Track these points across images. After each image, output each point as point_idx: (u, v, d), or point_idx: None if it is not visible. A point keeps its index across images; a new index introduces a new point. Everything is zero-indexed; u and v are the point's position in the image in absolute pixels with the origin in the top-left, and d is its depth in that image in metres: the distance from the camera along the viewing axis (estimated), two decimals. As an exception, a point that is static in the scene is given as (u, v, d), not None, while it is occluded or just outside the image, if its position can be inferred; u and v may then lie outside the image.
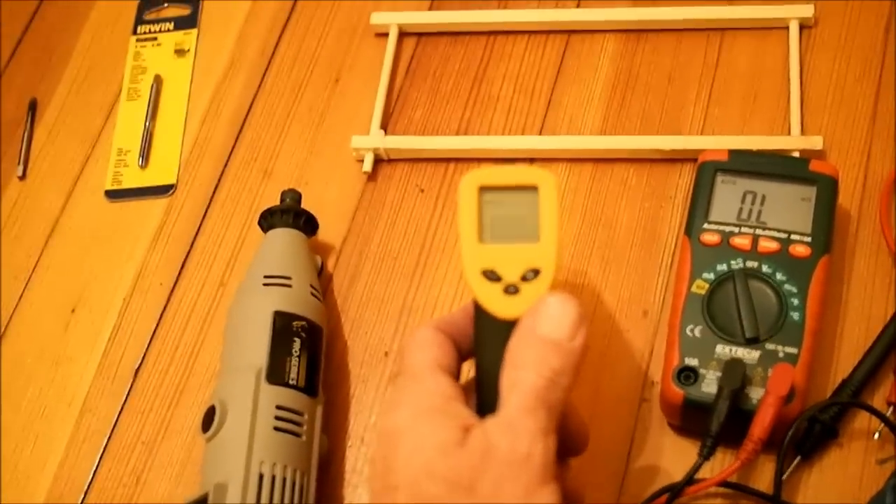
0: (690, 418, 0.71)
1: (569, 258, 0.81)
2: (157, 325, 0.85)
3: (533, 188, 0.60)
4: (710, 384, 0.69)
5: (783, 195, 0.76)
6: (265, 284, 0.77)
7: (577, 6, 0.93)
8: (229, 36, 0.98)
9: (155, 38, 1.00)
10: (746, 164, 0.77)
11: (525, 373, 0.56)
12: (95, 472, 0.80)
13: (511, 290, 0.58)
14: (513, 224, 0.60)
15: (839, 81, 0.85)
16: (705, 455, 0.68)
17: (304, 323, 0.75)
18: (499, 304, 0.58)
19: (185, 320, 0.85)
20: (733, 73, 0.87)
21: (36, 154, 0.95)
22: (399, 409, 0.57)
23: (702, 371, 0.70)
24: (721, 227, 0.75)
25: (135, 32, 1.00)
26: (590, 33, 0.91)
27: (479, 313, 0.59)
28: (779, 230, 0.74)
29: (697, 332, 0.71)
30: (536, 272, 0.58)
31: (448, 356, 0.60)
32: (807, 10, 0.87)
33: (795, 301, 0.71)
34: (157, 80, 0.97)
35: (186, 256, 0.88)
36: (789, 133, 0.83)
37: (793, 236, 0.74)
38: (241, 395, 0.71)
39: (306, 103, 0.93)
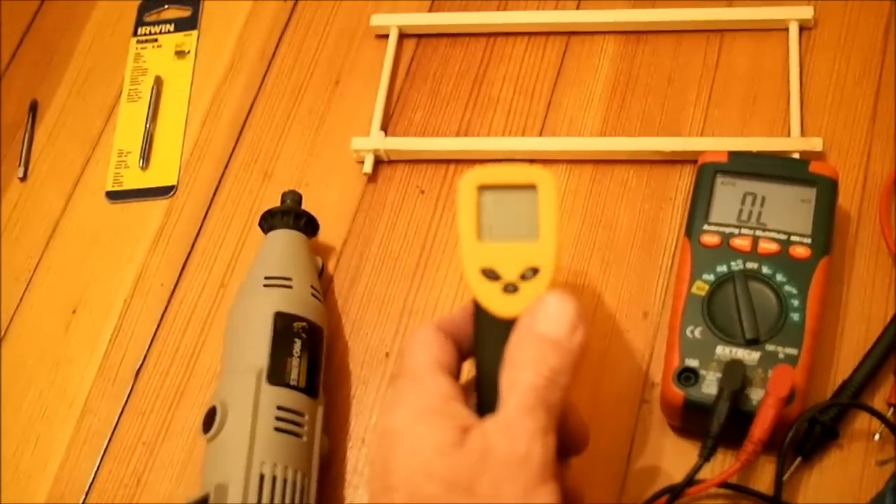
0: (691, 419, 0.71)
1: (569, 259, 0.81)
2: (158, 326, 0.85)
3: (532, 187, 0.60)
4: (710, 385, 0.69)
5: (783, 196, 0.76)
6: (266, 285, 0.77)
7: (577, 8, 0.93)
8: (230, 37, 0.98)
9: (155, 40, 1.00)
10: (746, 166, 0.77)
11: (524, 373, 0.56)
12: (96, 473, 0.80)
13: (510, 288, 0.58)
14: (512, 223, 0.60)
15: (839, 83, 0.85)
16: (705, 456, 0.68)
17: (304, 324, 0.75)
18: (498, 303, 0.58)
19: (185, 321, 0.85)
20: (733, 74, 0.87)
21: (36, 155, 0.96)
22: (398, 409, 0.57)
23: (702, 372, 0.70)
24: (721, 229, 0.75)
25: (135, 34, 1.01)
26: (590, 35, 0.91)
27: (479, 312, 0.59)
28: (779, 231, 0.74)
29: (698, 334, 0.71)
30: (535, 271, 0.58)
31: (448, 355, 0.60)
32: (806, 12, 0.87)
33: (795, 302, 0.71)
34: (158, 82, 0.97)
35: (187, 258, 0.88)
36: (789, 134, 0.83)
37: (793, 237, 0.74)
38: (241, 396, 0.71)
39: (306, 105, 0.93)
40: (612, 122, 0.87)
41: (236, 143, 0.92)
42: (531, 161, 0.85)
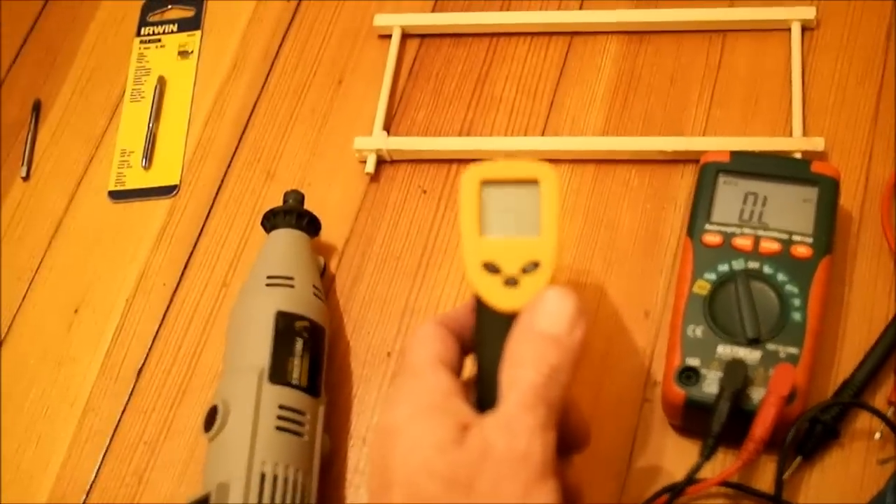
0: (692, 418, 0.71)
1: (571, 259, 0.81)
2: (160, 325, 0.85)
3: (534, 182, 0.60)
4: (711, 384, 0.69)
5: (785, 196, 0.76)
6: (268, 285, 0.77)
7: (580, 8, 0.93)
8: (233, 37, 0.98)
9: (158, 40, 1.00)
10: (748, 166, 0.77)
11: (524, 370, 0.56)
12: (98, 471, 0.80)
13: (511, 282, 0.58)
14: (513, 217, 0.60)
15: (841, 83, 0.85)
16: (706, 455, 0.68)
17: (306, 323, 0.75)
18: (499, 297, 0.58)
19: (187, 321, 0.85)
20: (735, 74, 0.87)
21: (40, 155, 0.96)
22: (398, 406, 0.57)
23: (703, 371, 0.70)
24: (723, 228, 0.75)
25: (138, 34, 1.01)
26: (592, 35, 0.91)
27: (480, 307, 0.59)
28: (780, 231, 0.74)
29: (699, 333, 0.71)
30: (536, 265, 0.58)
31: (450, 351, 0.60)
32: (808, 12, 0.87)
33: (797, 302, 0.71)
34: (161, 82, 0.97)
35: (189, 257, 0.88)
36: (791, 134, 0.83)
37: (794, 237, 0.74)
38: (243, 395, 0.71)
39: (309, 104, 0.93)
40: (615, 121, 0.87)
41: (239, 142, 0.92)
42: (533, 161, 0.85)
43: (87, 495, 0.80)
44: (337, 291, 0.84)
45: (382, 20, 0.94)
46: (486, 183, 0.61)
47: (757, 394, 0.68)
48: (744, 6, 0.89)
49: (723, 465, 0.71)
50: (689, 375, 0.70)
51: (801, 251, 0.73)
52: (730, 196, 0.76)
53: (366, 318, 0.83)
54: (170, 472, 0.79)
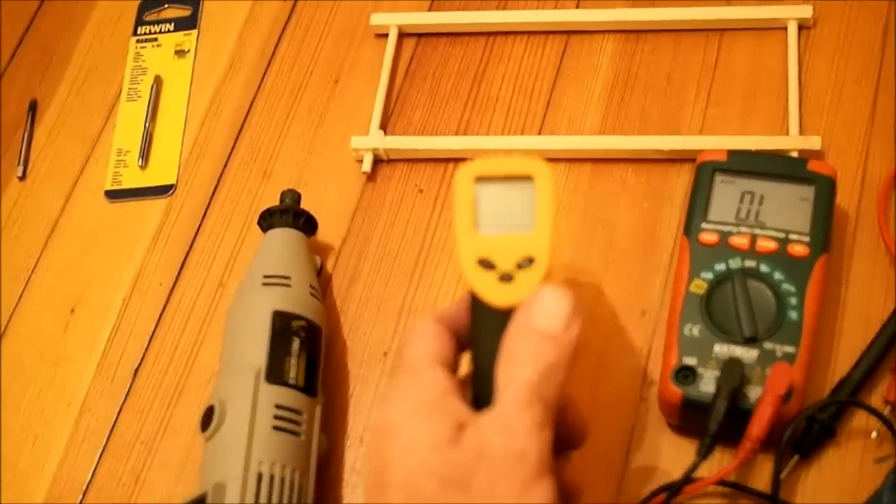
0: (689, 417, 0.71)
1: (567, 258, 0.81)
2: (157, 325, 0.85)
3: (528, 178, 0.60)
4: (708, 383, 0.69)
5: (782, 195, 0.76)
6: (264, 284, 0.77)
7: (577, 7, 0.93)
8: (229, 37, 0.98)
9: (155, 39, 1.00)
10: (745, 164, 0.77)
11: (520, 368, 0.55)
12: (94, 471, 0.80)
13: (506, 278, 0.58)
14: (508, 214, 0.60)
15: (838, 82, 0.85)
16: (703, 454, 0.68)
17: (303, 323, 0.75)
18: (494, 292, 0.58)
19: (184, 320, 0.85)
20: (732, 73, 0.87)
21: (36, 154, 0.96)
22: (395, 404, 0.57)
23: (700, 370, 0.70)
24: (720, 227, 0.75)
25: (135, 33, 1.01)
26: (589, 34, 0.91)
27: (475, 303, 0.59)
28: (777, 230, 0.74)
29: (696, 332, 0.71)
30: (531, 260, 0.58)
31: (446, 349, 0.60)
32: (805, 11, 0.87)
33: (794, 300, 0.71)
34: (157, 81, 0.97)
35: (186, 257, 0.88)
36: (788, 133, 0.83)
37: (791, 236, 0.74)
38: (240, 395, 0.71)
39: (306, 104, 0.93)
40: (612, 120, 0.87)
41: (235, 142, 0.92)
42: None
43: (83, 495, 0.80)
44: (334, 291, 0.84)
45: (379, 19, 0.94)
46: (481, 179, 0.61)
47: (754, 393, 0.68)
48: (740, 5, 0.89)
49: (720, 464, 0.71)
50: (685, 374, 0.70)
51: (798, 250, 0.73)
52: (726, 195, 0.76)
53: (362, 317, 0.83)
54: (166, 471, 0.79)
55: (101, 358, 0.85)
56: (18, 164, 0.95)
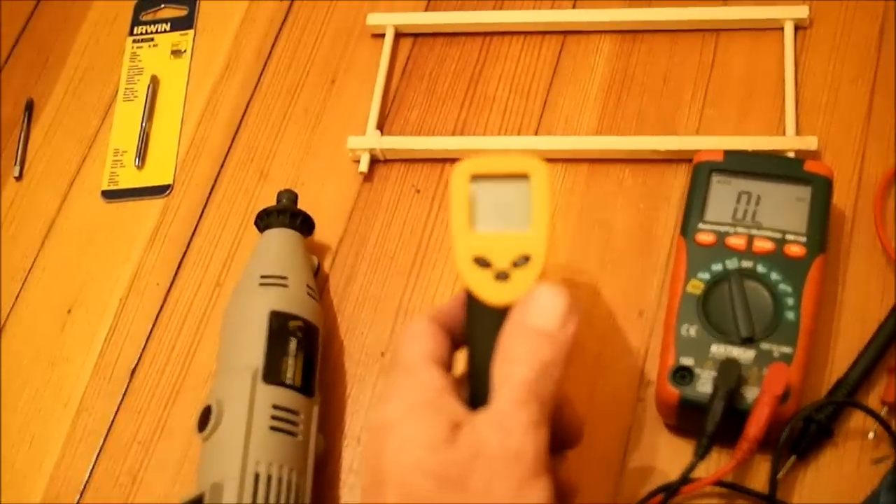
0: (686, 418, 0.71)
1: (564, 258, 0.82)
2: (154, 325, 0.85)
3: (524, 176, 0.60)
4: (705, 384, 0.69)
5: (778, 195, 0.76)
6: (261, 284, 0.77)
7: (573, 7, 0.93)
8: (226, 37, 0.98)
9: (151, 39, 1.00)
10: (741, 165, 0.77)
11: (516, 366, 0.55)
12: (92, 471, 0.80)
13: (502, 276, 0.58)
14: (504, 212, 0.60)
15: (834, 82, 0.85)
16: (701, 454, 0.68)
17: (300, 323, 0.75)
18: (490, 291, 0.58)
19: (181, 320, 0.85)
20: (728, 73, 0.87)
21: (32, 154, 0.96)
22: (390, 402, 0.57)
23: (697, 371, 0.70)
24: (716, 228, 0.75)
25: (131, 33, 1.01)
26: (585, 34, 0.91)
27: (471, 301, 0.59)
28: (774, 230, 0.74)
29: (693, 332, 0.72)
30: (527, 259, 0.58)
31: (441, 347, 0.60)
32: (802, 11, 0.87)
33: (790, 301, 0.71)
34: (154, 81, 0.97)
35: (183, 257, 0.88)
36: (784, 133, 0.83)
37: (788, 236, 0.74)
38: (237, 395, 0.71)
39: (302, 104, 0.93)
40: (608, 121, 0.87)
41: (232, 142, 0.92)
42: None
43: (80, 495, 0.80)
44: (331, 291, 0.84)
45: (375, 19, 0.94)
46: (477, 177, 0.61)
47: (751, 393, 0.69)
48: (737, 5, 0.89)
49: (717, 464, 0.71)
50: (683, 375, 0.70)
51: (795, 250, 0.73)
52: (723, 195, 0.77)
53: (360, 317, 0.83)
54: (164, 472, 0.79)
55: (98, 358, 0.85)
56: (15, 163, 0.95)
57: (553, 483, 0.55)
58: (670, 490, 0.69)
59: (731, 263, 0.73)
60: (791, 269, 0.73)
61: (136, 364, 0.84)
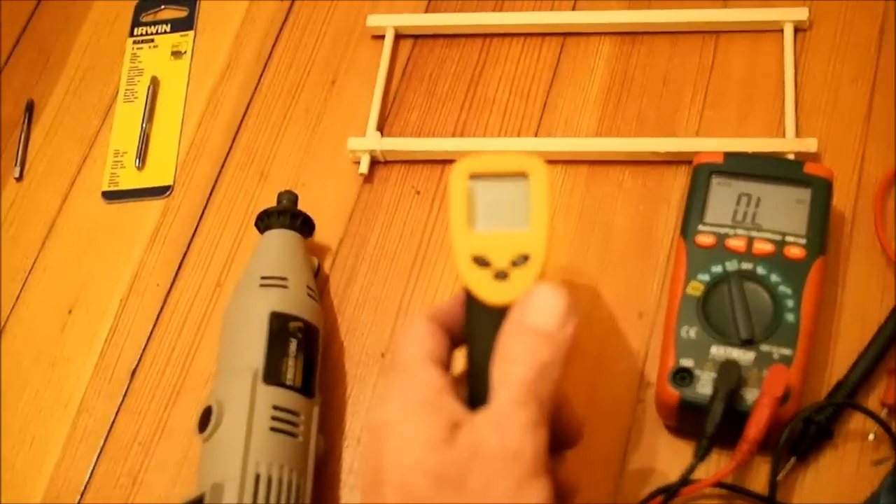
0: (686, 419, 0.71)
1: (564, 260, 0.82)
2: (154, 326, 0.85)
3: (523, 175, 0.60)
4: (705, 385, 0.70)
5: (778, 197, 0.76)
6: (262, 285, 0.77)
7: (573, 9, 0.93)
8: (226, 38, 0.98)
9: (152, 40, 1.00)
10: (741, 167, 0.77)
11: (515, 366, 0.55)
12: (92, 472, 0.80)
13: (501, 275, 0.58)
14: (503, 211, 0.59)
15: (834, 84, 0.85)
16: (700, 456, 0.68)
17: (300, 324, 0.75)
18: (489, 290, 0.58)
19: (181, 321, 0.85)
20: (728, 75, 0.87)
21: (33, 155, 0.96)
22: (389, 402, 0.57)
23: (697, 372, 0.70)
24: (716, 229, 0.75)
25: (132, 34, 1.01)
26: (585, 36, 0.91)
27: (470, 300, 0.59)
28: (774, 232, 0.74)
29: (693, 334, 0.72)
30: (526, 258, 0.58)
31: (440, 347, 0.60)
32: (801, 13, 0.87)
33: (790, 303, 0.71)
34: (154, 82, 0.97)
35: (183, 257, 0.88)
36: (784, 135, 0.83)
37: (787, 238, 0.74)
38: (237, 396, 0.71)
39: (303, 105, 0.93)
40: (608, 122, 0.87)
41: (232, 143, 0.92)
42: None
43: (81, 496, 0.80)
44: (331, 292, 0.84)
45: (375, 20, 0.94)
46: (476, 176, 0.60)
47: (751, 395, 0.69)
48: (736, 7, 0.89)
49: (717, 465, 0.71)
50: (682, 376, 0.70)
51: (795, 252, 0.73)
52: (723, 197, 0.77)
53: (360, 318, 0.83)
54: (164, 472, 0.79)
55: (99, 359, 0.85)
56: (15, 164, 0.95)
57: (552, 483, 0.55)
58: (670, 491, 0.69)
59: (731, 265, 0.73)
60: (791, 271, 0.73)
61: (137, 365, 0.84)
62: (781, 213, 0.75)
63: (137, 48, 0.99)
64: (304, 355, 0.75)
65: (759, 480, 0.71)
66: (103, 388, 0.83)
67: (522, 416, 0.54)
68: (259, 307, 0.75)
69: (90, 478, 0.80)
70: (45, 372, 0.85)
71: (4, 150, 0.96)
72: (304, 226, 0.82)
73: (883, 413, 0.71)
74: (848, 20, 0.88)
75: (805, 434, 0.71)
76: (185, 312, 0.85)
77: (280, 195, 0.83)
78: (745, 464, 0.68)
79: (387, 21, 0.94)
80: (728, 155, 0.78)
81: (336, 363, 0.81)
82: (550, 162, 0.83)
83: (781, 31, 0.87)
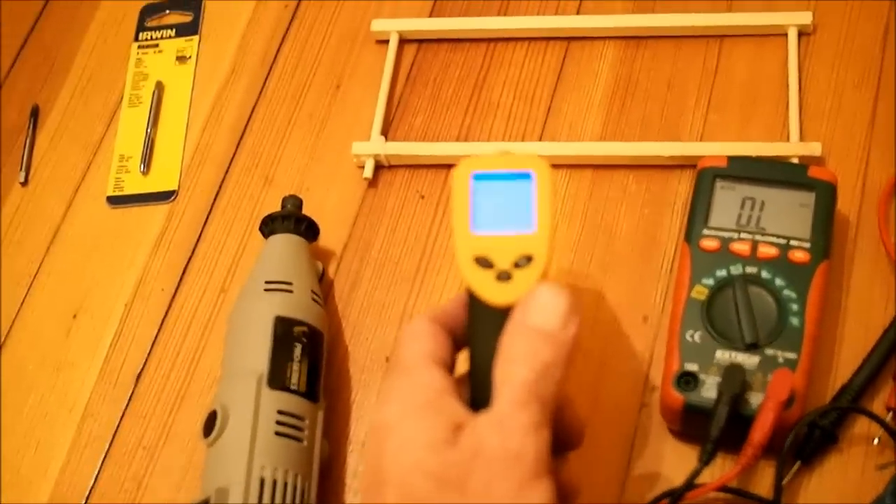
0: (690, 423, 0.71)
1: (569, 263, 0.82)
2: (159, 330, 0.85)
3: (526, 175, 0.60)
4: (709, 389, 0.70)
5: (782, 201, 0.76)
6: (266, 290, 0.77)
7: (577, 13, 0.93)
8: (231, 42, 0.98)
9: (156, 45, 1.00)
10: (745, 171, 0.77)
11: (517, 367, 0.55)
12: (97, 477, 0.80)
13: (503, 276, 0.58)
14: (506, 211, 0.59)
15: (838, 88, 0.85)
16: (705, 460, 0.68)
17: (305, 328, 0.75)
18: (491, 291, 0.58)
19: (186, 326, 0.85)
20: (732, 79, 0.87)
21: (38, 160, 0.96)
22: (390, 403, 0.57)
23: (702, 376, 0.70)
24: (720, 233, 0.75)
25: (136, 39, 1.01)
26: (589, 40, 0.91)
27: (472, 301, 0.59)
28: (778, 236, 0.74)
29: (697, 338, 0.72)
30: (529, 259, 0.58)
31: (442, 348, 0.59)
32: (805, 17, 0.87)
33: (795, 307, 0.71)
34: (159, 87, 0.97)
35: (188, 262, 0.88)
36: (788, 139, 0.83)
37: (792, 242, 0.74)
38: (242, 400, 0.71)
39: (307, 110, 0.93)
40: (612, 127, 0.87)
41: (237, 147, 0.92)
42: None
43: (86, 500, 0.80)
44: (335, 296, 0.84)
45: (380, 25, 0.94)
46: (479, 177, 0.61)
47: (755, 399, 0.69)
48: (741, 12, 0.89)
49: (721, 470, 0.71)
50: (687, 380, 0.70)
51: (799, 256, 0.73)
52: (727, 201, 0.77)
53: (364, 322, 0.83)
54: (169, 477, 0.79)
55: (104, 363, 0.85)
56: (20, 169, 0.95)
57: (554, 484, 0.55)
58: (675, 495, 0.69)
59: (736, 269, 0.73)
60: (795, 275, 0.73)
61: (142, 369, 0.84)
62: (785, 216, 0.75)
63: (142, 53, 1.00)
64: (309, 360, 0.75)
65: (763, 484, 0.71)
66: (108, 392, 0.84)
67: (524, 417, 0.54)
68: (263, 312, 0.75)
69: (95, 482, 0.80)
70: (49, 376, 0.85)
71: (9, 155, 0.96)
72: (308, 230, 0.82)
73: (888, 417, 0.71)
74: (852, 24, 0.88)
75: (809, 438, 0.71)
76: (189, 317, 0.85)
77: (284, 200, 0.83)
78: (750, 468, 0.68)
79: (391, 25, 0.94)
80: (732, 159, 0.78)
81: (340, 368, 0.81)
82: (555, 166, 0.82)
83: (785, 35, 0.87)
